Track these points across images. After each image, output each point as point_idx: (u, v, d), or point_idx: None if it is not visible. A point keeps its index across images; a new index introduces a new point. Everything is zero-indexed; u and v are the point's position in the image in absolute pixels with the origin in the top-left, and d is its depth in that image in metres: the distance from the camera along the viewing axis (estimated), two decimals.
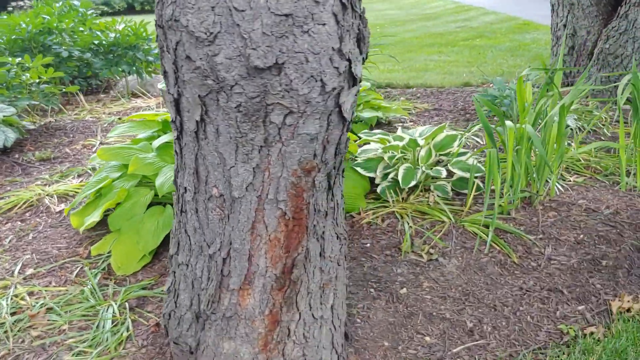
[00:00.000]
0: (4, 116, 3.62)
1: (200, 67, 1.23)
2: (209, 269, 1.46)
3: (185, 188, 1.45)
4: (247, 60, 1.19)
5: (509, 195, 2.43)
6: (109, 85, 6.40)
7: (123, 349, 1.82)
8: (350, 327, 1.85)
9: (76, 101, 5.33)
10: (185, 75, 1.27)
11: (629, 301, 1.94)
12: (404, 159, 2.67)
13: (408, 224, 2.39)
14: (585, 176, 2.80)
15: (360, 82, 1.42)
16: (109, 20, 6.77)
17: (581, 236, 2.28)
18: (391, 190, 2.55)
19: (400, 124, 3.83)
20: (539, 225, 2.36)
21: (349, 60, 1.29)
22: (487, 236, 2.25)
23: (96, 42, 6.02)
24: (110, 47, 6.09)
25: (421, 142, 2.65)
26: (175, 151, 1.46)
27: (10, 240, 2.52)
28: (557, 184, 2.69)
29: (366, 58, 1.38)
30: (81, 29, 6.11)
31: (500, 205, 2.46)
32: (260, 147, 1.30)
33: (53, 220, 2.69)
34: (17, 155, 3.63)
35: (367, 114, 3.52)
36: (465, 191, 2.60)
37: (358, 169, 2.63)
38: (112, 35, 6.16)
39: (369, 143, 2.86)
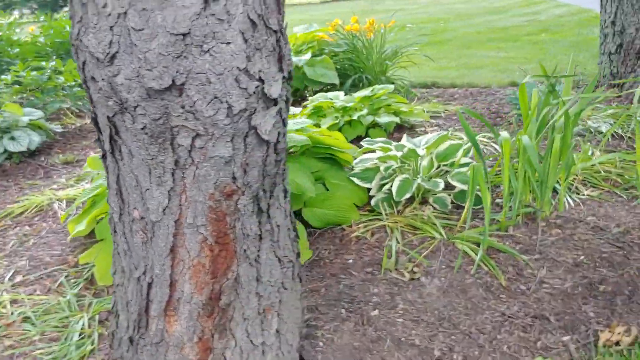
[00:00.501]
0: (30, 120, 3.73)
1: (102, 88, 1.19)
2: (137, 293, 1.42)
3: (113, 208, 1.41)
4: (143, 82, 1.14)
5: (507, 211, 2.28)
6: None
7: None
8: (310, 351, 1.77)
9: None
10: (93, 96, 1.23)
11: (619, 333, 1.77)
12: (405, 169, 2.55)
13: (396, 239, 2.28)
14: (602, 189, 2.59)
15: (288, 101, 1.34)
16: None
17: (581, 257, 2.11)
18: (385, 203, 2.44)
19: (423, 128, 3.69)
20: (537, 244, 2.20)
21: (261, 80, 1.21)
22: (477, 255, 2.11)
23: None
24: None
25: (421, 151, 2.53)
26: (105, 170, 1.43)
27: (12, 245, 2.58)
28: (570, 198, 2.50)
29: (290, 77, 1.30)
30: None
31: (499, 222, 2.31)
32: (173, 169, 1.25)
33: (57, 226, 2.74)
34: (42, 158, 3.74)
35: (385, 118, 3.41)
36: (459, 203, 2.46)
37: (354, 179, 2.53)
38: None
39: (374, 151, 2.75)
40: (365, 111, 3.46)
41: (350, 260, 2.21)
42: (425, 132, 3.61)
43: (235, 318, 1.45)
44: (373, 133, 3.42)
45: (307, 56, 4.57)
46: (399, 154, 2.52)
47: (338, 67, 5.00)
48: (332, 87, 4.89)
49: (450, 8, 13.47)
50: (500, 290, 1.99)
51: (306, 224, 2.40)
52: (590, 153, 2.88)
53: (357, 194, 2.53)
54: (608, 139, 3.18)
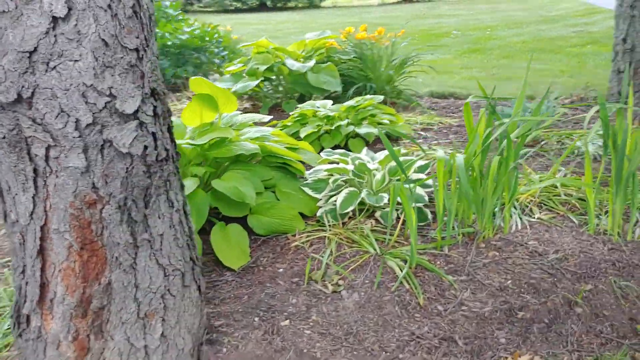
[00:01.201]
0: None
1: None
2: (16, 290, 1.51)
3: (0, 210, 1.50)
4: None
5: (442, 230, 2.27)
6: (177, 87, 6.63)
7: (7, 351, 1.91)
8: (210, 357, 1.82)
9: None
10: None
11: None
12: (356, 183, 2.56)
13: (331, 251, 2.30)
14: (558, 213, 2.53)
15: (158, 116, 1.39)
16: (190, 22, 7.09)
17: (509, 282, 2.08)
18: (329, 215, 2.46)
19: (409, 141, 3.68)
20: (468, 265, 2.18)
21: (113, 96, 1.27)
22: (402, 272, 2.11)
23: (169, 43, 6.27)
24: (180, 49, 6.34)
25: (372, 166, 2.54)
26: None
27: None
28: (520, 221, 2.46)
29: (153, 92, 1.35)
30: (158, 31, 6.39)
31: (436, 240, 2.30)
32: (34, 177, 1.32)
33: None
34: None
35: (364, 129, 3.42)
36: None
37: (306, 189, 2.56)
38: (184, 37, 6.40)
39: (337, 162, 2.77)
40: (345, 121, 3.47)
41: (281, 270, 2.24)
42: (410, 145, 3.60)
43: (112, 321, 1.51)
44: (352, 143, 3.43)
45: (311, 63, 4.61)
46: (350, 167, 2.54)
47: (344, 74, 5.02)
48: (337, 95, 4.92)
49: (505, 15, 13.23)
50: (416, 309, 1.99)
51: (252, 231, 2.45)
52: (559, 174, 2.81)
53: (307, 204, 2.56)
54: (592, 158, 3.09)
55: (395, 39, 5.12)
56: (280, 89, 5.06)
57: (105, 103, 1.27)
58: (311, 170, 2.66)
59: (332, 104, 3.76)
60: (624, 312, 1.95)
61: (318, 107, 3.71)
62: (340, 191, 2.47)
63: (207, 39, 6.48)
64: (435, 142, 3.63)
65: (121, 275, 1.48)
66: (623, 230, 2.32)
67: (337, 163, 2.69)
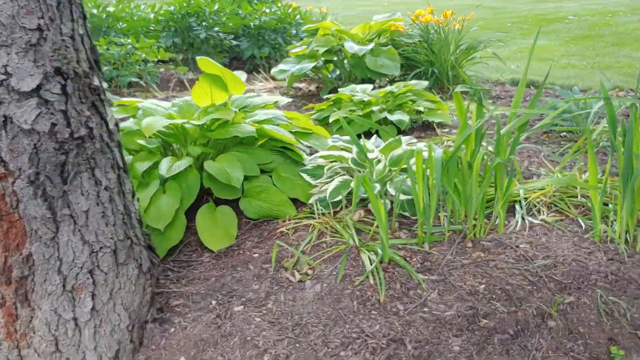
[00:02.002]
0: None
1: None
2: None
3: None
4: None
5: (423, 226, 2.14)
6: (256, 68, 6.73)
7: None
8: (156, 335, 1.85)
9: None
10: None
11: None
12: (356, 171, 2.48)
13: (310, 239, 2.25)
14: (567, 215, 2.31)
15: (69, 95, 1.41)
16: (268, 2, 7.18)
17: (482, 286, 1.93)
18: (320, 204, 2.40)
19: (448, 129, 3.51)
20: (443, 265, 2.05)
21: (9, 74, 1.30)
22: (374, 265, 2.03)
23: (251, 25, 6.37)
24: (260, 30, 6.43)
25: (373, 155, 2.44)
26: None
27: None
28: (522, 221, 2.28)
29: (59, 71, 1.37)
30: (241, 12, 6.51)
31: (426, 235, 2.18)
32: None
33: None
34: None
35: (396, 116, 3.30)
36: (407, 214, 2.35)
37: (304, 175, 2.52)
38: (265, 18, 6.49)
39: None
40: (378, 107, 3.36)
41: (256, 255, 2.23)
42: (449, 133, 3.43)
43: (37, 291, 1.57)
44: (383, 130, 3.32)
45: (369, 46, 4.51)
46: (349, 155, 2.46)
47: (408, 58, 4.86)
48: (395, 79, 4.79)
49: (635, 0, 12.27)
50: (375, 306, 1.91)
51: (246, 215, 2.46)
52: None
53: (304, 190, 2.51)
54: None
55: (466, 23, 4.88)
56: (341, 72, 4.99)
57: (1, 80, 1.30)
58: (313, 156, 2.60)
59: (372, 89, 3.66)
60: (604, 331, 1.75)
61: (357, 92, 3.62)
62: (333, 179, 2.40)
63: (288, 20, 6.50)
64: None
65: (41, 247, 1.53)
66: (634, 239, 2.08)
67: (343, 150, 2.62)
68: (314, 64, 4.70)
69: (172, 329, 1.88)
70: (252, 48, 6.31)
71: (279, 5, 6.98)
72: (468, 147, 2.09)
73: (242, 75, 2.93)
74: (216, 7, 6.30)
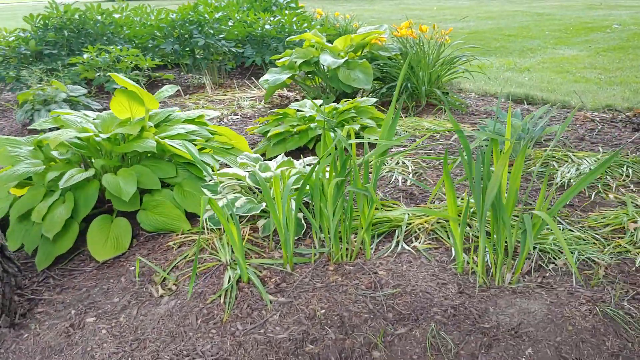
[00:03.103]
0: (69, 96, 4.33)
1: None
2: None
3: None
4: None
5: (286, 247, 2.18)
6: (256, 75, 6.85)
7: None
8: (8, 339, 1.96)
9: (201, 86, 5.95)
10: None
11: None
12: (248, 190, 2.54)
13: (186, 255, 2.32)
14: (443, 244, 2.30)
15: None
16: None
17: (323, 311, 1.96)
18: (210, 221, 2.47)
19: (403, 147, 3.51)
20: (296, 287, 2.08)
21: None
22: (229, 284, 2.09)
23: (255, 32, 6.50)
24: (263, 38, 6.54)
25: (266, 174, 2.50)
26: None
27: None
28: (399, 247, 2.29)
29: None
30: (248, 21, 6.64)
31: (302, 255, 2.22)
32: None
33: None
34: None
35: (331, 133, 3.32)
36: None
37: (205, 190, 2.59)
38: (268, 27, 6.60)
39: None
40: (315, 124, 3.40)
41: (132, 268, 2.31)
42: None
43: None
44: (319, 147, 3.36)
45: (342, 60, 4.54)
46: (244, 173, 2.52)
47: (384, 72, 4.87)
48: (367, 93, 4.80)
49: None
50: (217, 325, 1.96)
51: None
52: None
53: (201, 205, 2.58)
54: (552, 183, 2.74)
55: (446, 37, 4.84)
56: (321, 83, 5.04)
57: None
58: (217, 172, 2.67)
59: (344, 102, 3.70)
60: None
61: (306, 107, 3.67)
62: (223, 198, 2.46)
63: (289, 27, 6.57)
64: (403, 150, 3.42)
65: None
66: (499, 273, 2.06)
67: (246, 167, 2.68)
68: (288, 75, 4.76)
69: (26, 335, 1.99)
70: (256, 55, 6.42)
71: (286, 12, 7.06)
72: (330, 173, 2.12)
73: (171, 89, 3.03)
74: (218, 15, 6.44)
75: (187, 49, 6.13)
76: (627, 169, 2.98)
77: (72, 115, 2.85)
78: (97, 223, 2.46)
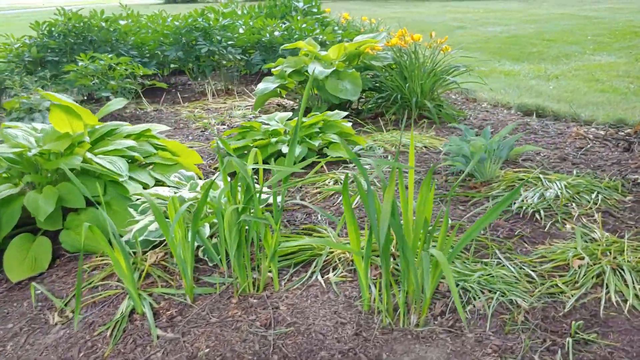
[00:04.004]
0: (51, 104, 4.32)
1: None
2: None
3: None
4: None
5: (178, 277, 2.06)
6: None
7: None
8: None
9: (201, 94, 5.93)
10: None
11: None
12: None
13: (92, 281, 2.23)
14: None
15: None
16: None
17: (206, 350, 1.83)
18: (126, 243, 2.37)
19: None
20: (190, 321, 1.96)
21: None
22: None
23: (263, 39, 6.43)
24: (271, 44, 6.46)
25: (189, 195, 2.38)
26: None
27: None
28: (314, 278, 2.13)
29: None
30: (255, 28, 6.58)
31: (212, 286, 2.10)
32: None
33: None
34: None
35: (298, 149, 3.18)
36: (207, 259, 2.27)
37: (131, 210, 2.50)
38: (277, 33, 6.52)
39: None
40: (276, 139, 3.26)
41: (39, 292, 2.23)
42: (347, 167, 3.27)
43: None
44: (279, 162, 3.22)
45: (330, 70, 4.39)
46: (167, 194, 2.41)
47: (377, 82, 4.69)
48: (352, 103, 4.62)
49: None
50: (99, 359, 1.86)
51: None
52: None
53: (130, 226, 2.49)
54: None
55: (442, 45, 4.62)
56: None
57: None
58: (148, 191, 2.57)
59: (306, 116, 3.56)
60: None
61: (275, 120, 3.54)
62: (144, 218, 2.36)
63: (299, 34, 6.45)
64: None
65: None
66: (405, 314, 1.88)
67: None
68: (277, 85, 4.65)
69: None
70: (264, 62, 6.34)
71: (298, 18, 6.95)
72: (229, 199, 1.98)
73: (119, 102, 2.96)
74: (225, 22, 6.38)
75: (192, 56, 6.09)
76: (597, 195, 2.73)
77: (17, 129, 2.81)
78: (17, 241, 2.40)
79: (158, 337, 1.90)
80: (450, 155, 3.07)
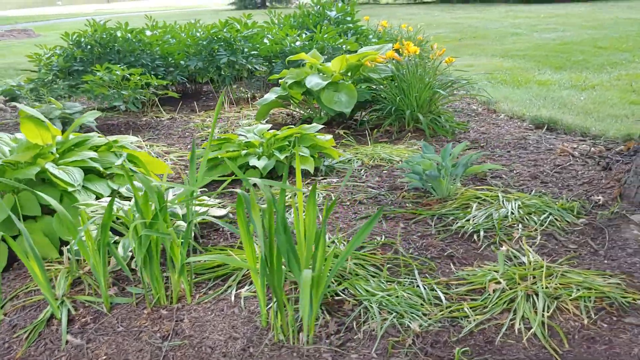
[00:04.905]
0: (62, 113, 4.57)
1: None
2: None
3: None
4: None
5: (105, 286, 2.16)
6: None
7: None
8: None
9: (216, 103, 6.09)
10: None
11: None
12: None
13: (28, 286, 2.37)
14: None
15: None
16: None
17: (103, 358, 1.92)
18: (69, 252, 2.51)
19: (332, 177, 3.39)
20: (99, 329, 2.06)
21: None
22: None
23: (285, 49, 6.56)
24: (292, 54, 6.57)
25: (127, 206, 2.50)
26: None
27: None
28: (228, 292, 2.20)
29: None
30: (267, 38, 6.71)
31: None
32: None
33: None
34: None
35: (259, 162, 3.26)
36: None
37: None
38: (299, 43, 6.63)
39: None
40: (246, 151, 3.34)
41: None
42: (338, 182, 3.31)
43: None
44: (248, 175, 3.30)
45: (325, 82, 4.45)
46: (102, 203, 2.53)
47: (376, 95, 4.70)
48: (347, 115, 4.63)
49: None
50: None
51: None
52: None
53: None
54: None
55: (442, 57, 4.59)
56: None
57: None
58: (82, 202, 2.70)
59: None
60: None
61: (254, 132, 3.63)
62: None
63: (321, 44, 6.53)
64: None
65: None
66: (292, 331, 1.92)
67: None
68: (277, 95, 4.74)
69: None
70: (282, 71, 6.44)
71: (323, 28, 7.02)
72: (142, 214, 2.07)
73: (92, 115, 3.11)
74: (247, 32, 6.51)
75: (213, 66, 6.26)
76: (547, 217, 2.66)
77: None
78: None
79: (67, 342, 2.01)
80: (405, 171, 3.06)
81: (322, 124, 4.81)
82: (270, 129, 3.86)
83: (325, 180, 3.35)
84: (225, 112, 5.79)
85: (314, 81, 4.50)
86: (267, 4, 30.76)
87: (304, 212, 1.95)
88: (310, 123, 4.43)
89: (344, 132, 4.61)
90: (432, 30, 12.98)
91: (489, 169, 3.25)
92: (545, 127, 4.59)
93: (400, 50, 4.64)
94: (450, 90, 4.76)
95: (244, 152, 3.34)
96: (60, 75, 6.10)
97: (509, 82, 6.62)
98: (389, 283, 2.20)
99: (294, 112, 5.57)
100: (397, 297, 2.08)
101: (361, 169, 3.55)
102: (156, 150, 4.27)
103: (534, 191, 2.99)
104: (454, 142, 4.16)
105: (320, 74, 4.70)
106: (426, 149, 3.03)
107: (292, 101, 5.03)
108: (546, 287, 2.09)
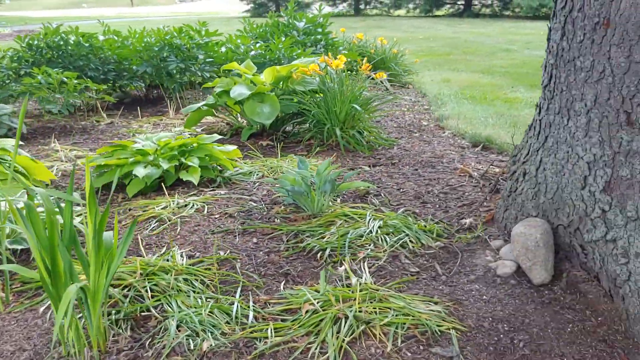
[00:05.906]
0: None
1: None
2: None
3: None
4: None
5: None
6: None
7: None
8: None
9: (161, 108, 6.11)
10: None
11: None
12: None
13: None
14: None
15: None
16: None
17: None
18: None
19: (224, 188, 3.37)
20: None
21: None
22: None
23: (241, 57, 6.56)
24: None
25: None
26: None
27: None
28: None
29: None
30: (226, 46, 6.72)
31: None
32: None
33: None
34: None
35: (142, 171, 3.23)
36: None
37: None
38: (254, 52, 6.62)
39: None
40: (133, 159, 3.33)
41: None
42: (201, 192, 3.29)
43: None
44: (132, 183, 3.28)
45: (247, 93, 4.43)
46: None
47: (302, 107, 4.68)
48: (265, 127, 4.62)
49: None
50: None
51: None
52: None
53: None
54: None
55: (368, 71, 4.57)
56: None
57: None
58: None
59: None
60: None
61: (152, 140, 3.62)
62: None
63: (278, 54, 6.53)
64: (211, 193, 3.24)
65: None
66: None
67: None
68: (198, 105, 4.76)
69: None
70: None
71: (282, 40, 7.03)
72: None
73: None
74: (204, 40, 6.53)
75: (162, 72, 6.27)
76: (403, 237, 2.63)
77: None
78: None
79: None
80: (278, 185, 3.04)
81: (252, 134, 4.83)
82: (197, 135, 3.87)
83: (212, 192, 3.33)
84: (168, 118, 5.79)
85: (238, 91, 4.49)
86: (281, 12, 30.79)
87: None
88: (238, 132, 4.43)
89: (266, 144, 4.59)
90: (427, 44, 12.99)
91: (367, 187, 3.22)
92: (481, 146, 4.56)
93: (327, 63, 4.62)
94: (373, 107, 4.72)
95: (131, 159, 3.33)
96: (11, 77, 6.13)
97: (477, 98, 6.56)
98: (208, 300, 2.17)
99: (233, 122, 5.57)
100: (203, 314, 2.05)
101: (256, 182, 3.52)
102: (70, 154, 4.27)
103: (401, 210, 2.95)
104: (370, 158, 4.14)
105: (251, 85, 4.69)
106: (302, 164, 3.01)
107: (230, 110, 5.03)
108: (359, 311, 2.06)
